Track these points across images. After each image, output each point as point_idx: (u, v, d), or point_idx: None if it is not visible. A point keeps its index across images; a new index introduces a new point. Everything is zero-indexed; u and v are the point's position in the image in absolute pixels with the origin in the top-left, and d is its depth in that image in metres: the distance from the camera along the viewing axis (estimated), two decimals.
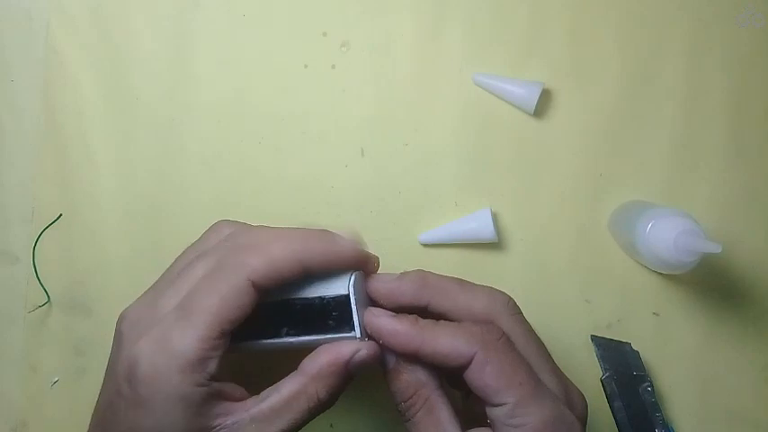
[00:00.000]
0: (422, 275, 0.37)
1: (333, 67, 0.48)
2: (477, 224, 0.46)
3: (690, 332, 0.47)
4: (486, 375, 0.32)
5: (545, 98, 0.48)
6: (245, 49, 0.49)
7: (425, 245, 0.48)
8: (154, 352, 0.31)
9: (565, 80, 0.48)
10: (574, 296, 0.47)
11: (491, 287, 0.37)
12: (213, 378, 0.32)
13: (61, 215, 0.48)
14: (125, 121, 0.48)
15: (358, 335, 0.34)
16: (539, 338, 0.37)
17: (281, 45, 0.48)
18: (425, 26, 0.48)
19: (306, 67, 0.48)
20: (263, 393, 0.34)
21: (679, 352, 0.47)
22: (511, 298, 0.37)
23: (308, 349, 0.35)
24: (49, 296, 0.47)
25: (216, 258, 0.34)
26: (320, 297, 0.34)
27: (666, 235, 0.40)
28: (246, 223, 0.39)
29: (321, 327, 0.34)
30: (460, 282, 0.37)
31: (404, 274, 0.37)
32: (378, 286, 0.37)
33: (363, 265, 0.37)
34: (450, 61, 0.48)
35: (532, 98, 0.46)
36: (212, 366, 0.32)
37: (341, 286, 0.34)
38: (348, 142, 0.48)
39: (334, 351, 0.34)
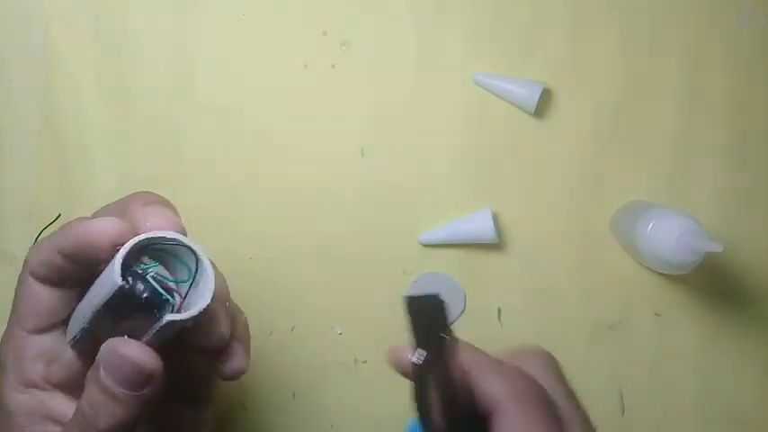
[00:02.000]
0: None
1: (333, 66, 0.48)
2: (478, 224, 0.46)
3: (691, 332, 0.47)
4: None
5: (545, 98, 0.47)
6: (245, 48, 0.48)
7: (425, 245, 0.47)
8: None
9: (565, 80, 0.48)
10: (575, 297, 0.47)
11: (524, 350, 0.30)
12: (37, 387, 0.31)
13: (60, 215, 0.48)
14: (123, 121, 0.48)
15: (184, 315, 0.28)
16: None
17: (281, 44, 0.48)
18: (426, 26, 0.48)
19: (306, 66, 0.48)
20: None
21: (680, 352, 0.47)
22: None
23: None
24: None
25: None
26: (107, 299, 0.28)
27: (668, 235, 0.39)
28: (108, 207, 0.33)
29: (147, 318, 0.28)
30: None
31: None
32: None
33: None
34: (450, 61, 0.48)
35: (533, 98, 0.46)
36: (30, 369, 0.30)
37: (111, 277, 0.28)
38: (348, 142, 0.48)
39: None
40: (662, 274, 0.47)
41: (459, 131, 0.48)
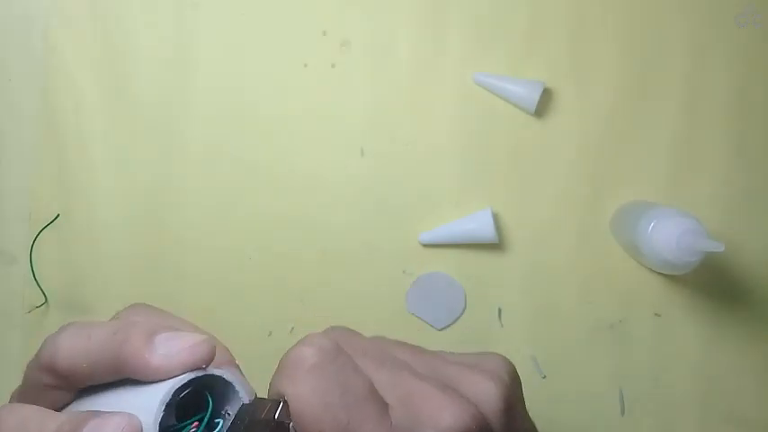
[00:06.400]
0: None
1: (333, 66, 0.48)
2: (478, 224, 0.46)
3: (691, 333, 0.47)
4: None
5: (545, 98, 0.47)
6: (245, 48, 0.48)
7: (425, 245, 0.47)
8: None
9: (565, 80, 0.48)
10: (575, 297, 0.47)
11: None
12: None
13: (59, 215, 0.48)
14: (123, 121, 0.48)
15: None
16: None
17: (281, 44, 0.48)
18: (426, 25, 0.48)
19: (305, 66, 0.48)
20: None
21: (681, 353, 0.47)
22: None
23: None
24: (46, 297, 0.47)
25: None
26: None
27: (669, 234, 0.39)
28: None
29: None
30: None
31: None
32: None
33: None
34: (450, 61, 0.48)
35: (533, 98, 0.46)
36: None
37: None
38: (348, 142, 0.48)
39: None
40: (662, 273, 0.46)
41: (459, 131, 0.48)
